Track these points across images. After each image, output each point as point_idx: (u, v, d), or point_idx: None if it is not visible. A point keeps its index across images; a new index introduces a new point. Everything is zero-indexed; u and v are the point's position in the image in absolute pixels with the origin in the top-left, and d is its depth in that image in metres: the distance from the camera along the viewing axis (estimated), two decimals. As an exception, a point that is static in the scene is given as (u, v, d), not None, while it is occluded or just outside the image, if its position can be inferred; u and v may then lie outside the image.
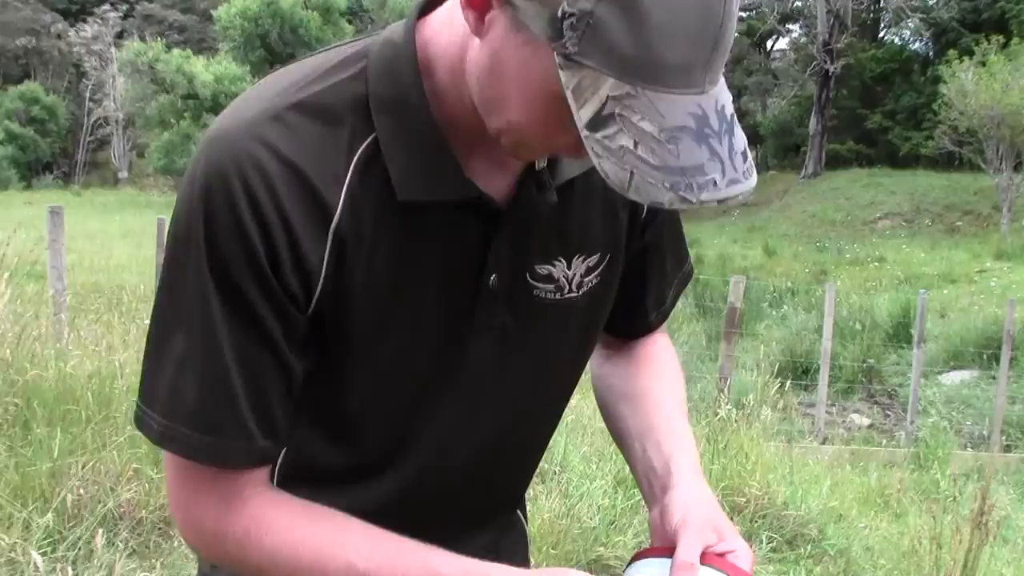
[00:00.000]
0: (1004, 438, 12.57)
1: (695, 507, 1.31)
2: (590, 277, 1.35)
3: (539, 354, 1.36)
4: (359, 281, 1.18)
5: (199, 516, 1.23)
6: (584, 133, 0.99)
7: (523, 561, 1.63)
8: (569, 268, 1.32)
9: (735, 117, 1.03)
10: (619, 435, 1.53)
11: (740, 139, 1.02)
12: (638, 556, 1.32)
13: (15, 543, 3.83)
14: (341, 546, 1.21)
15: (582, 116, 0.99)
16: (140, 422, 1.20)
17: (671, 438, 1.44)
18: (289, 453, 1.30)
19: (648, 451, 1.43)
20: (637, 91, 0.96)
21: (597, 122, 0.98)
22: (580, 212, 1.31)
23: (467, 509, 1.44)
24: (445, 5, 1.20)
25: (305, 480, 1.29)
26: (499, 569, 1.20)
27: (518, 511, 1.62)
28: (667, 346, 1.62)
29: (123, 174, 54.30)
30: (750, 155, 1.04)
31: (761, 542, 5.29)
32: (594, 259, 1.35)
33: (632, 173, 0.98)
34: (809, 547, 5.45)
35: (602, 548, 4.69)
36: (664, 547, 1.31)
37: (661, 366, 1.57)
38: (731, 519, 4.86)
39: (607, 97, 0.97)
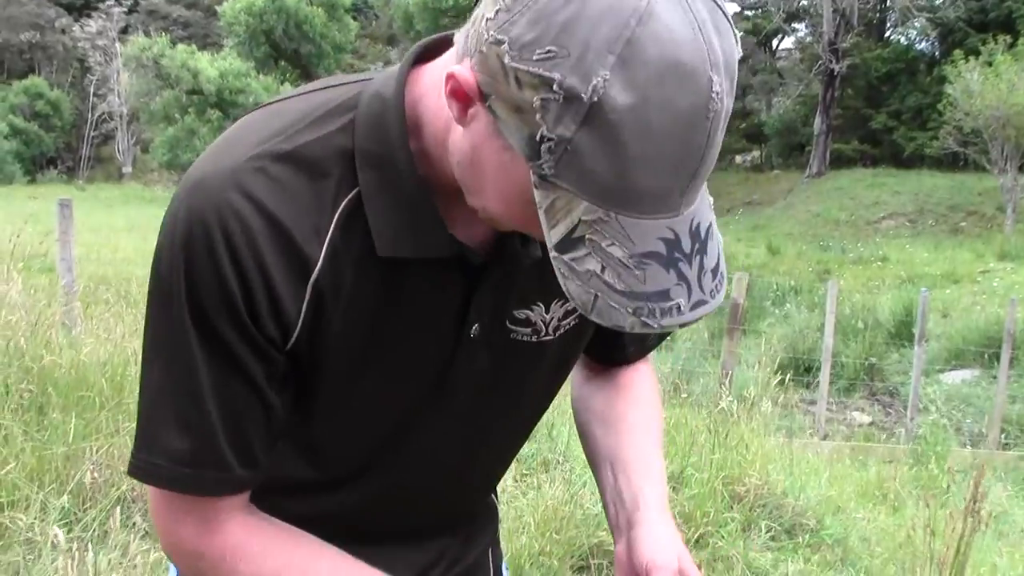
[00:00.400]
0: (1003, 436, 12.65)
1: (662, 547, 1.35)
2: (567, 320, 1.36)
3: (511, 392, 1.39)
4: (336, 330, 1.19)
5: (178, 538, 1.26)
6: (553, 253, 1.02)
7: (492, 541, 1.69)
8: (547, 312, 1.33)
9: (711, 231, 1.05)
10: (591, 457, 1.57)
11: (712, 256, 1.04)
12: None
13: (32, 523, 3.90)
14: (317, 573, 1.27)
15: (552, 237, 1.01)
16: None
17: (641, 470, 1.47)
18: None
19: (618, 480, 1.47)
20: (610, 216, 0.97)
21: (567, 244, 1.00)
22: None
23: (432, 516, 1.49)
24: (440, 60, 1.19)
25: (273, 488, 1.32)
26: None
27: (491, 495, 1.67)
28: (649, 374, 1.66)
29: (127, 169, 54.22)
30: (723, 267, 1.06)
31: (760, 530, 5.36)
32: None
33: (596, 296, 1.00)
34: (807, 536, 5.50)
35: (603, 533, 4.76)
36: None
37: (639, 392, 1.61)
38: (731, 508, 4.94)
39: (579, 220, 0.99)
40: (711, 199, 1.06)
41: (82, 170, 54.62)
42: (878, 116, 45.34)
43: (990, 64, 31.21)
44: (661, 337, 1.62)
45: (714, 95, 0.95)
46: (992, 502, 8.70)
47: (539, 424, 1.60)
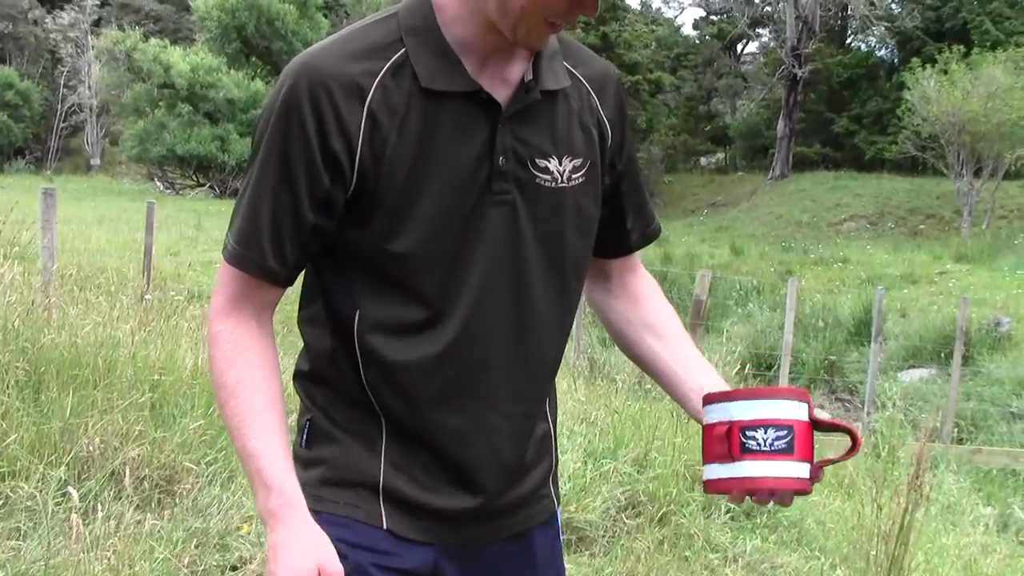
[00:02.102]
0: (956, 431, 12.97)
1: None
2: (577, 175, 1.80)
3: (543, 229, 1.78)
4: (393, 145, 1.66)
5: (213, 305, 1.77)
6: None
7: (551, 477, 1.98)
8: (560, 164, 1.78)
9: None
10: (651, 362, 1.98)
11: None
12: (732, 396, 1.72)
13: (33, 492, 4.06)
14: (251, 392, 1.71)
15: None
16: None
17: (709, 374, 1.92)
18: (365, 308, 1.73)
19: (695, 387, 1.88)
20: None
21: None
22: (562, 122, 1.79)
23: (508, 370, 1.80)
24: None
25: (380, 332, 1.74)
26: (304, 511, 1.67)
27: (548, 421, 1.96)
28: (654, 283, 2.08)
29: (95, 161, 53.59)
30: None
31: (720, 511, 5.59)
32: (578, 162, 1.80)
33: None
34: (765, 518, 5.72)
35: (573, 510, 5.00)
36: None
37: (662, 302, 2.05)
38: (692, 489, 5.15)
39: None
40: None
41: (50, 161, 53.81)
42: (839, 120, 45.77)
43: (946, 72, 31.72)
44: (656, 233, 2.06)
45: None
46: (945, 493, 9.02)
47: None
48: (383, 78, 1.66)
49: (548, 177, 1.77)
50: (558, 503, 2.00)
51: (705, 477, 1.72)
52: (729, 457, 1.67)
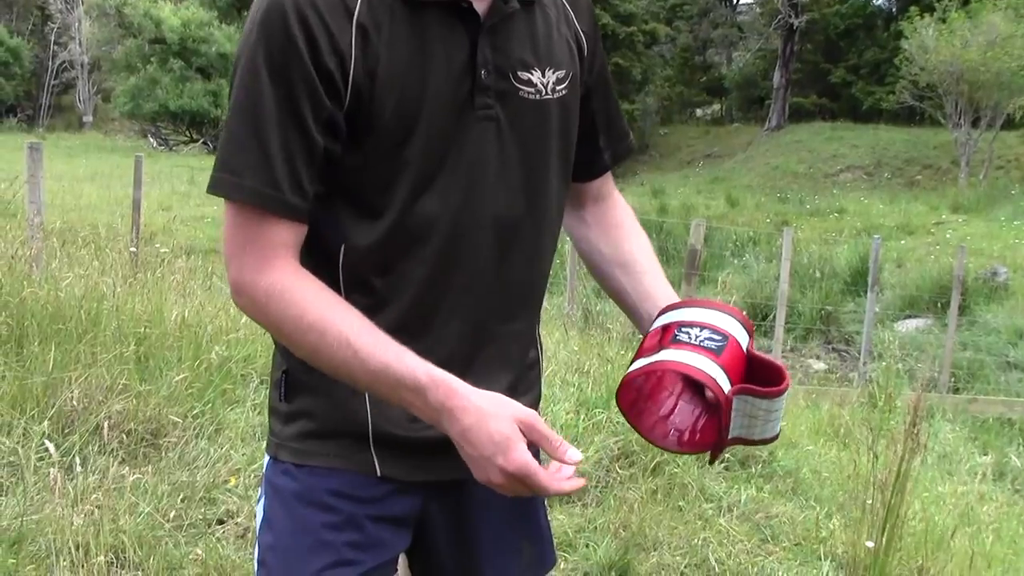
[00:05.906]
0: (952, 381, 12.97)
1: None
2: (560, 87, 1.74)
3: (527, 144, 1.72)
4: (384, 61, 1.58)
5: (241, 268, 1.59)
6: None
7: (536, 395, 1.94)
8: (544, 76, 1.72)
9: None
10: (619, 296, 1.94)
11: None
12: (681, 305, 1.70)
13: (15, 447, 4.03)
14: (341, 320, 1.56)
15: None
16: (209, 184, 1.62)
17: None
18: (352, 238, 1.66)
19: (652, 313, 1.81)
20: None
21: None
22: (542, 33, 1.73)
23: (492, 289, 1.75)
24: None
25: (367, 260, 1.66)
26: (461, 383, 1.53)
27: (537, 348, 1.93)
28: (628, 209, 2.04)
29: (88, 118, 53.36)
30: None
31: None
32: (561, 73, 1.75)
33: None
34: (760, 467, 5.69)
35: (565, 460, 4.94)
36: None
37: (635, 232, 1.99)
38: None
39: None
40: None
41: (42, 119, 53.55)
42: (836, 70, 45.62)
43: (944, 21, 31.55)
44: (630, 149, 2.00)
45: None
46: (941, 442, 9.02)
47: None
48: None
49: (532, 89, 1.71)
50: None
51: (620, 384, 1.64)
52: (657, 348, 1.61)
